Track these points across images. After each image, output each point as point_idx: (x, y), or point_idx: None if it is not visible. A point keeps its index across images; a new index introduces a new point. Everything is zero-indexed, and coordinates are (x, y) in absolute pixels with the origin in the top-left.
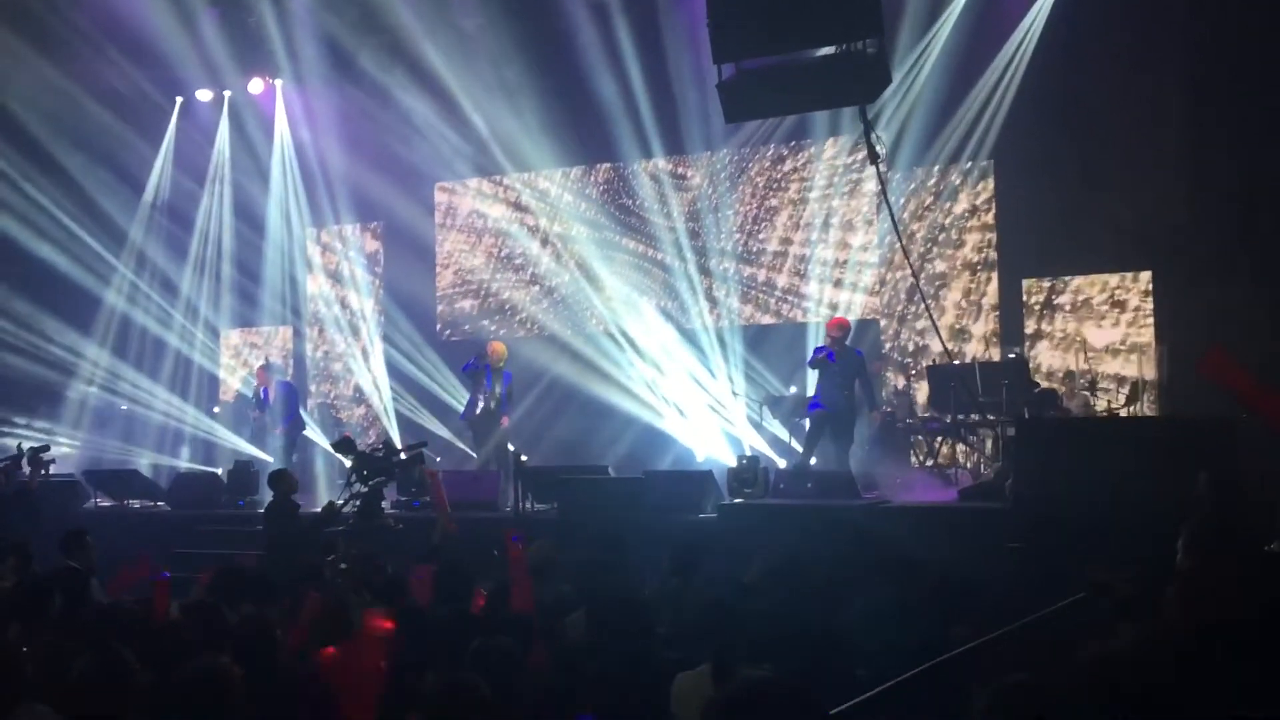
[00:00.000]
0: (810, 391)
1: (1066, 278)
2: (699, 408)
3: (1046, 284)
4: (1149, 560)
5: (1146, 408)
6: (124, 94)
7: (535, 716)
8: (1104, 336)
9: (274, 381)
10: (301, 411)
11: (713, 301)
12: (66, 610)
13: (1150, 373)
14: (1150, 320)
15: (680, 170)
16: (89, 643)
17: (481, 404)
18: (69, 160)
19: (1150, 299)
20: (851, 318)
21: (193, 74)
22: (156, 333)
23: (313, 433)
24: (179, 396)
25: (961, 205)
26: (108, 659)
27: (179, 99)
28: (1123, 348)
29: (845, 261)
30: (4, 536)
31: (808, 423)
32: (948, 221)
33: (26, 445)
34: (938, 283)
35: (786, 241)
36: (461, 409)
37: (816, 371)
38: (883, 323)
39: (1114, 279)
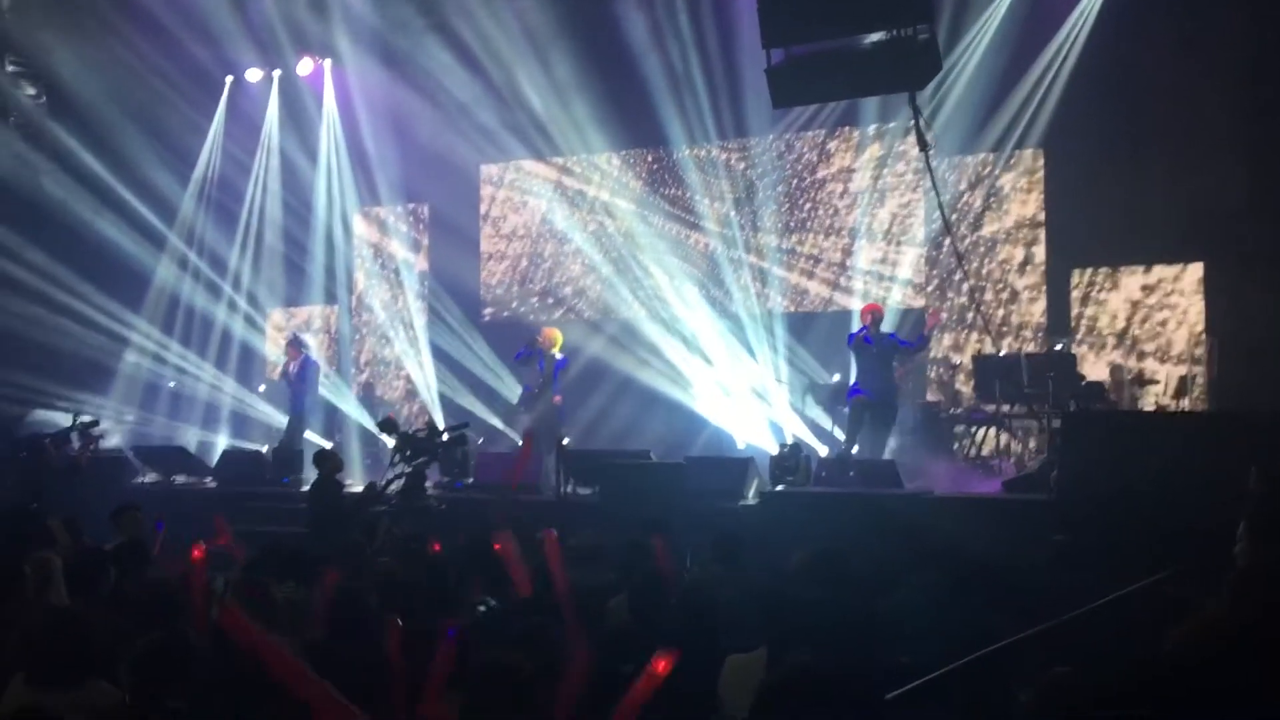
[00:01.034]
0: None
1: (1117, 268)
2: (741, 394)
3: (1096, 274)
4: (1197, 555)
5: (1195, 401)
6: (175, 73)
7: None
8: (1153, 328)
9: (301, 357)
10: (321, 391)
11: (756, 288)
12: (122, 583)
13: (1199, 366)
14: (1201, 312)
15: (726, 155)
16: (147, 619)
17: (535, 388)
18: (122, 138)
19: (1202, 290)
20: (896, 306)
21: (243, 54)
22: (204, 310)
23: (355, 411)
24: (225, 373)
25: (1010, 194)
26: (172, 637)
27: (229, 78)
28: (1172, 339)
29: (890, 249)
30: (53, 510)
31: (848, 410)
32: (996, 209)
33: (78, 419)
34: (984, 271)
35: (832, 228)
36: (505, 393)
37: (855, 357)
38: (928, 311)
39: (1166, 270)
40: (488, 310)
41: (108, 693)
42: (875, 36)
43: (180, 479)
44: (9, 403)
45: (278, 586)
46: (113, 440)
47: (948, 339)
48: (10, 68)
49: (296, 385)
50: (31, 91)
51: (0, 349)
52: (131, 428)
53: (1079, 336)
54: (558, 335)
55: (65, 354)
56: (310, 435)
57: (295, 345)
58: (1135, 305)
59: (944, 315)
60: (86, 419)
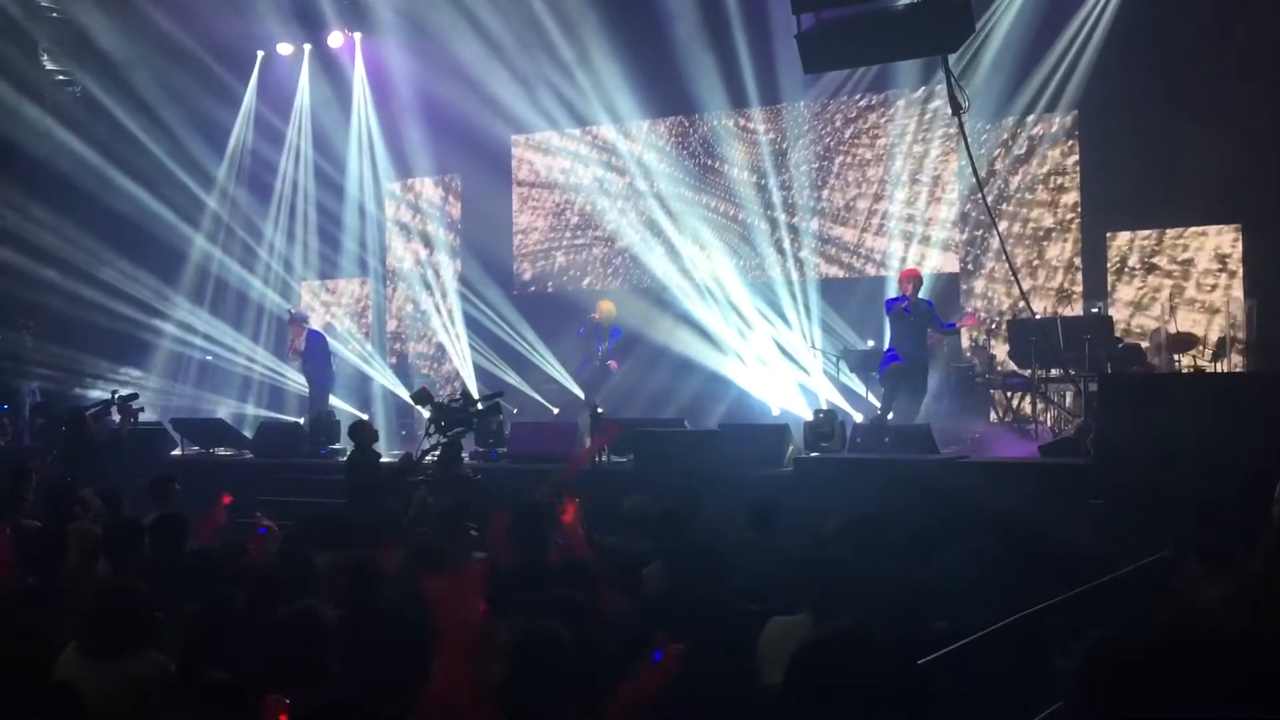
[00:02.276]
0: (886, 345)
1: (1152, 231)
2: (775, 361)
3: (1131, 237)
4: (1234, 517)
5: (1233, 363)
6: (206, 48)
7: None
8: (1190, 290)
9: (305, 332)
10: (332, 363)
11: (790, 255)
12: (162, 554)
13: (1238, 328)
14: (1238, 274)
15: (758, 123)
16: (190, 588)
17: (596, 361)
18: (155, 112)
19: (1238, 251)
20: (930, 272)
21: (274, 27)
22: (240, 284)
23: (389, 382)
24: (261, 347)
25: (1045, 157)
26: (218, 604)
27: (260, 53)
28: (1210, 302)
29: (924, 215)
30: (96, 482)
31: (882, 375)
32: (1030, 174)
33: (116, 393)
34: (1019, 236)
35: (865, 195)
36: (538, 363)
37: (890, 323)
38: (962, 277)
39: (1201, 232)
40: (520, 280)
41: (157, 663)
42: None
43: (219, 451)
44: (52, 378)
45: (319, 555)
46: (151, 413)
47: (982, 304)
48: (45, 46)
49: (309, 360)
50: (64, 72)
51: (40, 325)
52: (170, 400)
53: (1115, 299)
54: (610, 307)
55: (103, 329)
56: (342, 404)
57: (298, 322)
58: (1172, 268)
59: (981, 316)
60: (125, 392)
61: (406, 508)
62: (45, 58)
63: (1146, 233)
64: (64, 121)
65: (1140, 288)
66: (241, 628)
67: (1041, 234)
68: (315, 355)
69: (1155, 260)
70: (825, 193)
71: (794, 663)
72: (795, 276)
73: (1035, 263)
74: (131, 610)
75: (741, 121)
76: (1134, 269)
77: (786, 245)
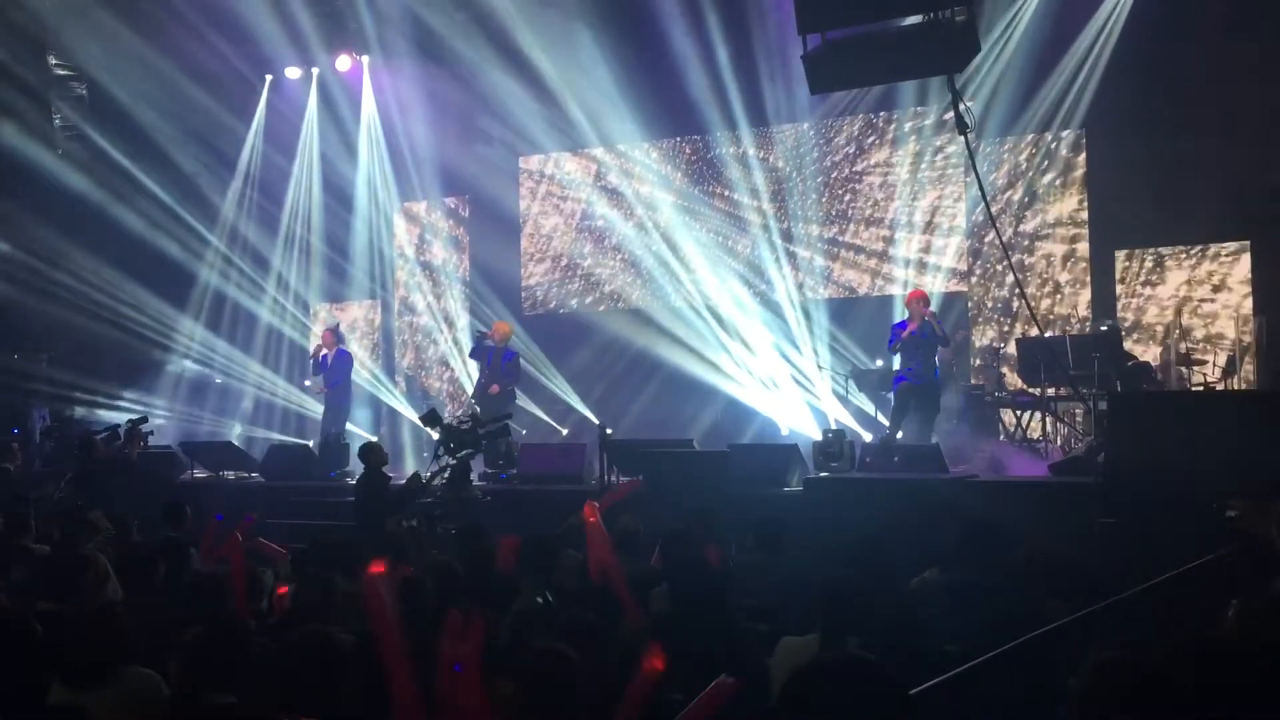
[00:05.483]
0: (895, 365)
1: (1161, 248)
2: (784, 381)
3: (1140, 254)
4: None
5: (1244, 380)
6: (215, 72)
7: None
8: (1199, 307)
9: (336, 348)
10: (358, 383)
11: (798, 275)
12: (169, 578)
13: (1248, 344)
14: (1248, 290)
15: (765, 142)
16: (199, 610)
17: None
18: (162, 137)
19: (1249, 269)
20: (939, 291)
21: (282, 51)
22: (249, 307)
23: (399, 404)
24: (271, 369)
25: (1052, 175)
26: (224, 626)
27: (268, 77)
28: (1219, 319)
29: (932, 234)
30: (105, 505)
31: (893, 395)
32: (1038, 192)
33: (125, 418)
34: (1027, 254)
35: (872, 214)
36: (548, 384)
37: (899, 345)
38: (971, 297)
39: (1210, 248)
40: (528, 301)
41: (144, 678)
42: (912, 19)
43: (228, 474)
44: (62, 402)
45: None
46: (161, 437)
47: (992, 326)
48: (54, 62)
49: (331, 374)
50: (74, 90)
51: (51, 349)
52: (179, 424)
53: (1124, 317)
54: (505, 328)
55: (113, 353)
56: (353, 428)
57: (333, 333)
58: (1181, 285)
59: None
60: (134, 416)
61: (416, 530)
62: (54, 78)
63: (1154, 250)
64: (74, 147)
65: (1149, 305)
66: (247, 651)
67: (1049, 251)
68: (339, 374)
69: (1163, 277)
70: (832, 212)
71: (786, 687)
72: (803, 296)
73: (1043, 280)
74: (108, 636)
75: (748, 142)
76: (1143, 285)
77: (794, 265)
